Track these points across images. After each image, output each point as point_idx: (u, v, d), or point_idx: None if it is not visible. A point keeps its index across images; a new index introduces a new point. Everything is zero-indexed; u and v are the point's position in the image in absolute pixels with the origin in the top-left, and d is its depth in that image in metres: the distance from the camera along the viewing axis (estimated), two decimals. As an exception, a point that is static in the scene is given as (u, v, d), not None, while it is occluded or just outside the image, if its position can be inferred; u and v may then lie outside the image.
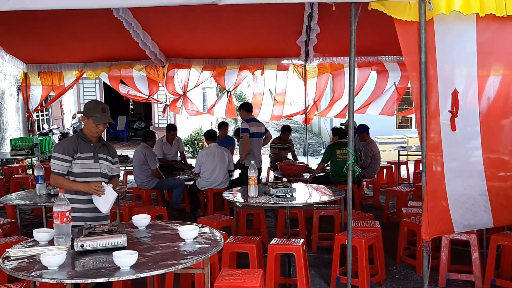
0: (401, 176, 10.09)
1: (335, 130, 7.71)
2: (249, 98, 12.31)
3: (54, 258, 2.64)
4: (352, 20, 3.70)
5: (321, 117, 11.36)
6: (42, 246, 3.05)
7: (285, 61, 8.84)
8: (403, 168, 10.19)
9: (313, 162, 10.51)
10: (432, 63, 3.63)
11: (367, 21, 3.83)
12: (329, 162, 7.16)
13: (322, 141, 17.79)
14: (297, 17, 6.44)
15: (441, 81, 3.63)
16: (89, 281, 2.50)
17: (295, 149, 9.63)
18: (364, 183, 8.23)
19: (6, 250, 2.97)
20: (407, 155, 10.36)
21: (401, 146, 10.70)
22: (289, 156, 9.08)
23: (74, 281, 2.50)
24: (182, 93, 9.30)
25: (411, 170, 10.03)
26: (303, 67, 9.06)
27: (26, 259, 2.81)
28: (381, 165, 9.36)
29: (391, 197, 7.16)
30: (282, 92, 9.42)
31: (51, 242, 3.11)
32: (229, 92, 9.30)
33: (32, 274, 2.57)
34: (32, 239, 3.22)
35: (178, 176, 7.70)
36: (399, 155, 9.73)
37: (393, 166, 9.46)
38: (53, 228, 3.14)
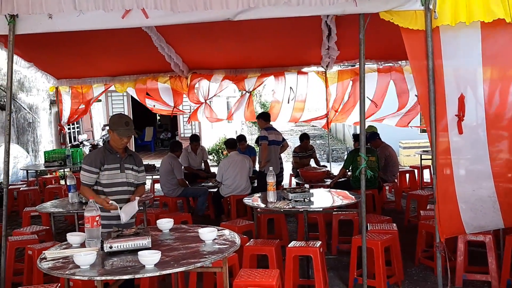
0: (425, 180, 10.08)
1: (355, 137, 7.80)
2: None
3: (85, 258, 2.90)
4: (360, 30, 3.88)
5: (337, 122, 11.37)
6: (74, 248, 3.32)
7: (305, 69, 9.01)
8: (426, 172, 10.17)
9: (337, 168, 10.60)
10: (438, 69, 3.77)
11: (385, 27, 3.92)
12: (350, 168, 7.29)
13: (346, 147, 17.83)
14: (316, 24, 6.58)
15: (447, 86, 3.77)
16: (116, 278, 2.75)
17: (319, 155, 9.68)
18: (387, 188, 8.27)
19: (43, 252, 3.25)
20: (430, 159, 10.29)
21: (423, 150, 10.66)
22: (312, 162, 9.15)
23: (103, 278, 2.76)
24: (203, 101, 9.56)
25: (434, 174, 9.98)
26: (323, 74, 9.21)
27: (60, 260, 3.09)
28: (403, 169, 9.38)
29: (412, 201, 7.23)
30: (302, 100, 9.56)
31: (82, 245, 3.38)
32: (249, 93, 9.46)
33: (66, 272, 2.85)
34: (65, 242, 3.50)
35: (203, 184, 7.96)
36: (421, 159, 9.73)
37: (415, 170, 9.48)
38: (84, 232, 3.42)
